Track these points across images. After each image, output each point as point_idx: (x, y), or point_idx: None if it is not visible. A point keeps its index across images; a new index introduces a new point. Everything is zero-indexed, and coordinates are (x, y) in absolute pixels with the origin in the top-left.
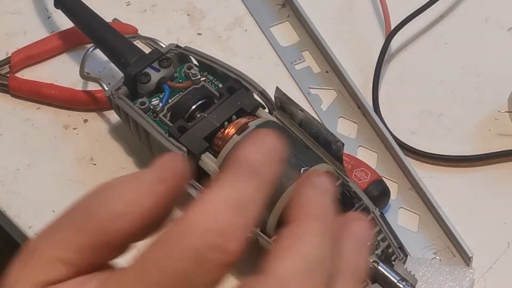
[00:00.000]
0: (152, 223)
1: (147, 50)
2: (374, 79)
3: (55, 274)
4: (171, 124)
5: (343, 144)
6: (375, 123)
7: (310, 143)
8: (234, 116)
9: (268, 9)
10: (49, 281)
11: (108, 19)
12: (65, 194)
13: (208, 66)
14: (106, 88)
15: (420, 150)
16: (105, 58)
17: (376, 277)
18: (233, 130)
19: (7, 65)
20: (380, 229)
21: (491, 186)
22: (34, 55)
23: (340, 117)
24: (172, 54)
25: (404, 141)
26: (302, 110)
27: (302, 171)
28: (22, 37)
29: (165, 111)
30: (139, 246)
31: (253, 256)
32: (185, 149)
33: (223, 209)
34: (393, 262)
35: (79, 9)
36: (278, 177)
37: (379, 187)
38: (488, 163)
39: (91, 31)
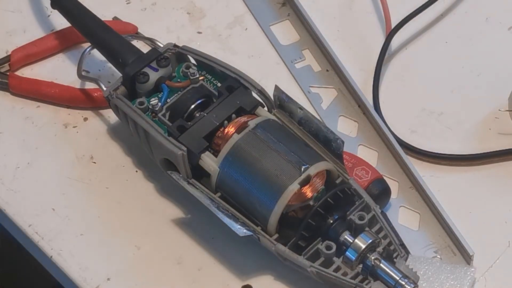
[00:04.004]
0: None
1: (145, 49)
2: (374, 78)
3: None
4: (170, 124)
5: (343, 142)
6: (376, 122)
7: (309, 141)
8: (233, 115)
9: (268, 8)
10: None
11: (108, 17)
12: (65, 193)
13: (207, 65)
14: (104, 88)
15: (420, 149)
16: None
17: (378, 274)
18: (233, 129)
19: (7, 63)
20: (382, 226)
21: (492, 185)
22: (34, 53)
23: (340, 115)
24: (170, 53)
25: (405, 140)
26: (302, 108)
27: (302, 169)
28: (22, 35)
29: (164, 110)
30: (140, 245)
31: (255, 255)
32: (185, 148)
33: None
34: (394, 260)
35: (76, 10)
36: (279, 176)
37: (380, 186)
38: (489, 162)
39: (88, 31)
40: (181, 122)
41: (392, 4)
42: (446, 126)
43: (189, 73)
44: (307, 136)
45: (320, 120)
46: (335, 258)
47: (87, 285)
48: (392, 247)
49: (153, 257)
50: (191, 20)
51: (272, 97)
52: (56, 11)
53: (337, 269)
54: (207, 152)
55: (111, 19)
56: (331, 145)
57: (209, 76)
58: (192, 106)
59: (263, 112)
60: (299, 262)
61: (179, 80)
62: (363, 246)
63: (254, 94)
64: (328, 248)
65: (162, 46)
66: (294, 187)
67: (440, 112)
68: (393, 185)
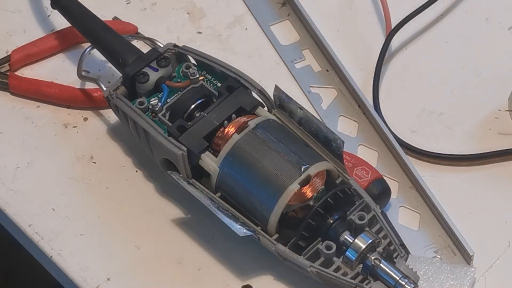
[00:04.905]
0: None
1: (145, 49)
2: (374, 78)
3: None
4: (170, 124)
5: (343, 142)
6: (376, 122)
7: (309, 141)
8: (233, 115)
9: (268, 8)
10: None
11: (108, 17)
12: (65, 193)
13: (207, 65)
14: (104, 88)
15: (420, 149)
16: None
17: (378, 274)
18: (233, 129)
19: (7, 63)
20: (382, 226)
21: (492, 185)
22: (34, 53)
23: (340, 115)
24: (170, 53)
25: (405, 140)
26: (302, 108)
27: (302, 169)
28: (22, 35)
29: (164, 110)
30: (140, 245)
31: (255, 255)
32: (185, 148)
33: None
34: (394, 260)
35: (76, 10)
36: (279, 176)
37: (380, 186)
38: (489, 162)
39: (88, 31)
40: (181, 122)
41: (392, 4)
42: (446, 126)
43: (189, 73)
44: (307, 136)
45: (320, 120)
46: (335, 258)
47: (87, 285)
48: (392, 247)
49: (153, 257)
50: (191, 20)
51: (272, 97)
52: (56, 11)
53: (337, 269)
54: (207, 152)
55: (111, 19)
56: (331, 145)
57: (209, 76)
58: (192, 106)
59: (263, 112)
60: (299, 262)
61: (179, 80)
62: (363, 246)
63: (254, 94)
64: (328, 248)
65: (162, 46)
66: (294, 187)
67: (440, 112)
68: (393, 185)
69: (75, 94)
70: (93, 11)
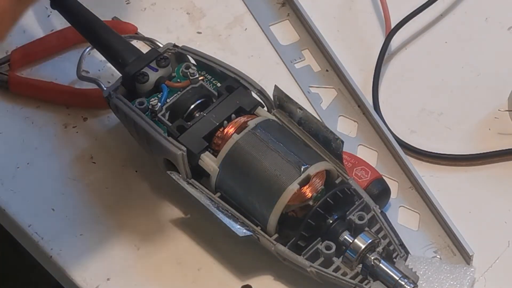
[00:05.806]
0: None
1: (145, 49)
2: (374, 78)
3: None
4: (170, 124)
5: (342, 142)
6: (375, 122)
7: (309, 141)
8: (233, 115)
9: (268, 8)
10: None
11: (107, 17)
12: (65, 193)
13: (206, 65)
14: (104, 88)
15: (420, 149)
16: None
17: (377, 274)
18: (232, 129)
19: (7, 63)
20: (381, 226)
21: (492, 185)
22: (34, 53)
23: (340, 115)
24: (170, 53)
25: (404, 140)
26: (301, 108)
27: (302, 169)
28: (22, 35)
29: (163, 110)
30: (140, 245)
31: (254, 255)
32: (184, 148)
33: None
34: (394, 260)
35: (76, 10)
36: (279, 176)
37: (380, 186)
38: (488, 162)
39: (88, 32)
40: (180, 122)
41: (392, 4)
42: (446, 126)
43: (188, 73)
44: (306, 136)
45: (320, 120)
46: (334, 258)
47: (86, 285)
48: (391, 247)
49: (153, 257)
50: (190, 20)
51: (271, 97)
52: (56, 11)
53: (336, 269)
54: (206, 152)
55: (111, 19)
56: (330, 145)
57: (208, 76)
58: (192, 106)
59: (263, 112)
60: (298, 262)
61: (178, 80)
62: (363, 246)
63: (253, 94)
64: (328, 248)
65: (161, 46)
66: (293, 187)
67: (440, 112)
68: (392, 185)
69: (75, 94)
70: (93, 11)
